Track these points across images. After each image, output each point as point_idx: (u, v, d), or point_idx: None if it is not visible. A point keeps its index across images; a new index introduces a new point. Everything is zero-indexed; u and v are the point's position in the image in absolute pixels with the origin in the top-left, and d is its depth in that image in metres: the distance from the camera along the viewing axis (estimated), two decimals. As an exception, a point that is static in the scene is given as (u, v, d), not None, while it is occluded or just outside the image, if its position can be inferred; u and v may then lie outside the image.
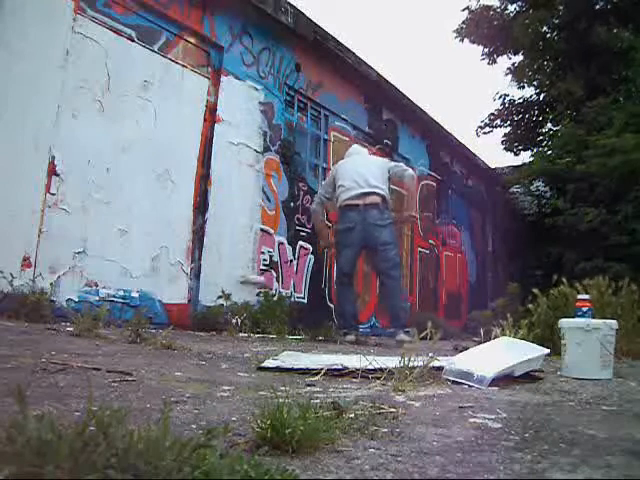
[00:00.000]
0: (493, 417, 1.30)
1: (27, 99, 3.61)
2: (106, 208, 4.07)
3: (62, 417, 0.92)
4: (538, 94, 13.43)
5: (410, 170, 5.36)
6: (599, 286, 3.51)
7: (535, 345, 2.32)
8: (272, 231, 5.54)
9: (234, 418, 1.14)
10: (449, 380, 1.89)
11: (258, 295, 5.03)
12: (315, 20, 6.02)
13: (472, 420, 1.27)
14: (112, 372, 1.61)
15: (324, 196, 5.29)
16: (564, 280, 3.66)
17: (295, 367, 2.01)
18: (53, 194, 3.75)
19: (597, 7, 11.51)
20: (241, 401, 1.35)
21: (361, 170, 5.02)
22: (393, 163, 5.48)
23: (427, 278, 8.62)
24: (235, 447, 0.89)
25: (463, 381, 1.86)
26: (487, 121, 13.93)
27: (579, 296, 2.67)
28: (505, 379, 1.94)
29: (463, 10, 13.35)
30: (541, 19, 11.51)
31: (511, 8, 13.11)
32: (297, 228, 5.96)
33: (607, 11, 11.32)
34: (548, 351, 2.28)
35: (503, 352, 2.15)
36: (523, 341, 2.42)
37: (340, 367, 1.95)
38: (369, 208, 4.82)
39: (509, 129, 13.91)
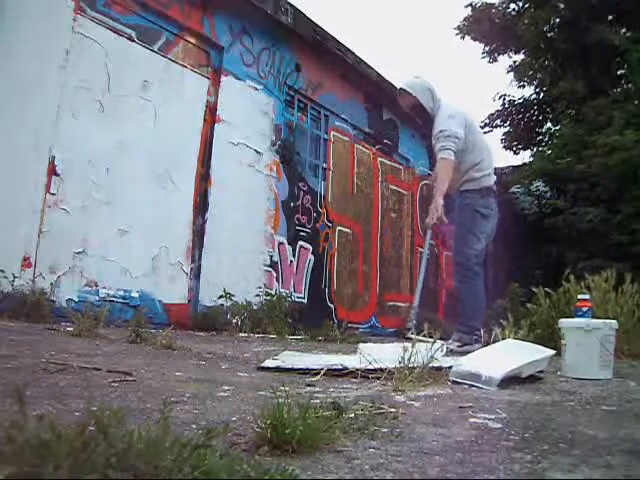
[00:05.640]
0: (493, 417, 1.30)
1: (27, 99, 3.61)
2: (106, 208, 4.08)
3: (62, 417, 0.92)
4: (538, 93, 13.44)
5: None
6: (605, 281, 3.51)
7: (540, 347, 2.31)
8: (272, 231, 5.54)
9: (234, 418, 1.13)
10: (452, 380, 1.88)
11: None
12: (315, 20, 6.02)
13: (472, 420, 1.27)
14: (112, 372, 1.61)
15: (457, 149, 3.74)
16: (571, 277, 3.66)
17: (295, 367, 2.01)
18: (53, 194, 3.75)
19: (597, 7, 11.52)
20: (241, 401, 1.35)
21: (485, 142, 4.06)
22: None
23: (427, 278, 8.61)
24: (235, 447, 0.89)
25: (471, 382, 1.85)
26: (487, 121, 13.95)
27: (579, 296, 2.67)
28: (509, 380, 1.94)
29: (466, 7, 13.37)
30: (543, 18, 11.51)
31: (513, 6, 13.13)
32: (297, 228, 5.96)
33: (606, 10, 11.32)
34: (554, 352, 2.28)
35: (510, 354, 2.14)
36: (528, 343, 2.42)
37: (340, 367, 1.94)
38: (496, 199, 4.00)
39: (508, 128, 13.93)
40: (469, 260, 3.74)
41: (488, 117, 13.95)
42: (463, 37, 13.64)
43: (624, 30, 10.70)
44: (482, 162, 3.82)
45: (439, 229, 3.94)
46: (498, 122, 13.91)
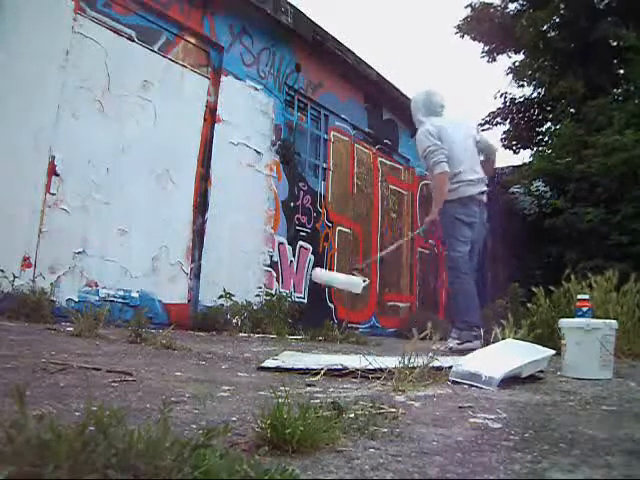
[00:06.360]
0: (493, 417, 1.30)
1: (27, 99, 3.61)
2: (106, 208, 4.08)
3: (62, 417, 0.92)
4: (538, 93, 13.43)
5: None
6: (606, 280, 3.51)
7: (540, 347, 2.31)
8: (272, 231, 5.54)
9: (234, 418, 1.13)
10: (452, 380, 1.88)
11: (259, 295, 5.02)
12: (315, 20, 6.02)
13: (472, 420, 1.27)
14: (112, 372, 1.61)
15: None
16: (571, 277, 3.67)
17: (295, 367, 2.01)
18: (53, 194, 3.75)
19: (598, 6, 11.50)
20: (241, 401, 1.35)
21: (473, 155, 4.25)
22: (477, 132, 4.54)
23: (427, 278, 8.62)
24: (235, 447, 0.89)
25: (471, 382, 1.85)
26: (487, 118, 13.94)
27: (579, 296, 2.67)
28: (509, 380, 1.94)
29: (466, 7, 13.38)
30: (542, 18, 11.50)
31: (512, 7, 13.12)
32: (297, 228, 5.96)
33: (607, 9, 11.31)
34: (554, 352, 2.28)
35: (510, 354, 2.13)
36: (528, 343, 2.42)
37: (340, 367, 1.94)
38: (483, 207, 4.26)
39: (509, 126, 13.91)
40: (457, 262, 4.03)
41: (489, 115, 13.92)
42: (463, 36, 13.64)
43: (624, 32, 10.68)
44: (460, 174, 4.07)
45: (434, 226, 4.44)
46: (499, 120, 13.89)
